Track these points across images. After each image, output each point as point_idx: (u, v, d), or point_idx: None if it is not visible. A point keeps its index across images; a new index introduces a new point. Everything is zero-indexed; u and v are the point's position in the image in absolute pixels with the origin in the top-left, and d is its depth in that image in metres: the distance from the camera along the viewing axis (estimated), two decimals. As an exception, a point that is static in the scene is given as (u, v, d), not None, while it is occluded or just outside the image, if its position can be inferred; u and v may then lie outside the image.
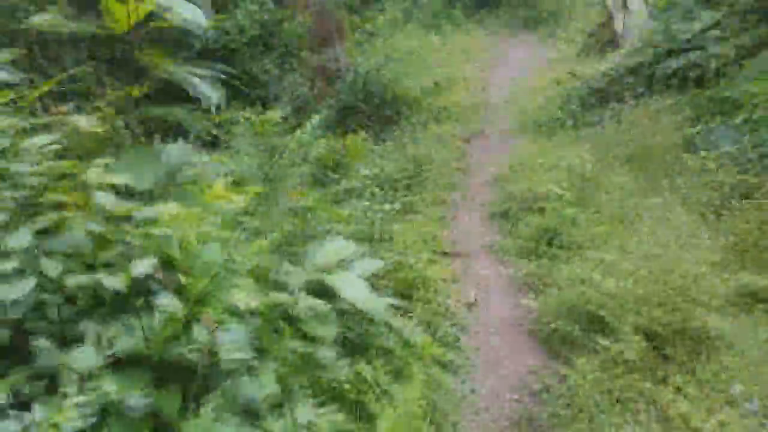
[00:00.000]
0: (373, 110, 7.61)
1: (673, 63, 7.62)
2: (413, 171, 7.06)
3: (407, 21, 20.21)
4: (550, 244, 5.42)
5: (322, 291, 2.90)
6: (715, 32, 7.65)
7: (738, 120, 6.22)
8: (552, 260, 5.14)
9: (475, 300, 5.05)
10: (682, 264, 3.69)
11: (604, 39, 15.25)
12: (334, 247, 3.27)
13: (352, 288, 2.92)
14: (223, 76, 3.53)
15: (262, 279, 2.76)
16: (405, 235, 5.60)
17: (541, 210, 5.86)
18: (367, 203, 5.74)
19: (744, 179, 5.29)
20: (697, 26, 7.90)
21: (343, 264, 3.16)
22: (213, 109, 3.33)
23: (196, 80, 3.20)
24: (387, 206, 6.08)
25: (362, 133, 7.36)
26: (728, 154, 5.78)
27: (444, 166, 7.53)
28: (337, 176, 6.31)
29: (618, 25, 12.44)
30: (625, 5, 13.90)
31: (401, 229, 5.69)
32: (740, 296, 3.78)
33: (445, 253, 5.83)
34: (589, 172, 6.15)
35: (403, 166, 7.00)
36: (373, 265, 3.44)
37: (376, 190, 6.30)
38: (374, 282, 4.41)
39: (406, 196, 6.62)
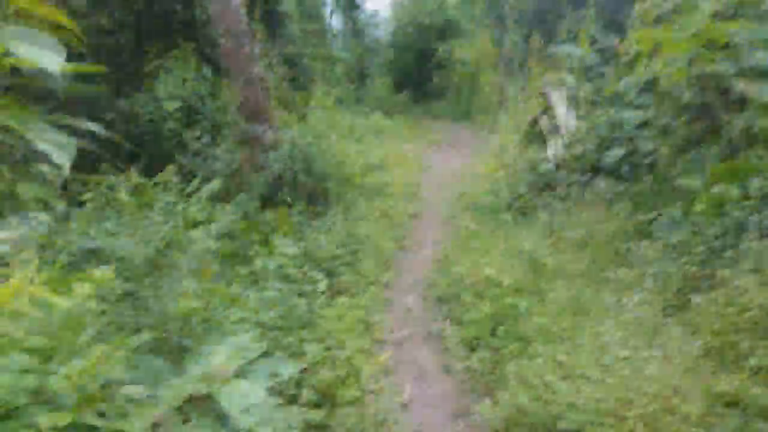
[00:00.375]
0: (308, 184, 7.01)
1: (619, 152, 7.52)
2: (347, 249, 6.40)
3: (355, 102, 20.46)
4: (494, 333, 4.80)
5: (206, 409, 2.11)
6: (656, 124, 7.70)
7: (680, 211, 6.04)
8: (498, 352, 4.50)
9: (410, 400, 4.29)
10: (655, 369, 3.12)
11: (545, 129, 15.75)
12: (232, 347, 2.49)
13: (247, 403, 2.13)
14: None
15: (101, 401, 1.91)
16: (334, 321, 4.85)
17: (486, 295, 5.28)
18: (290, 285, 4.99)
19: (696, 270, 4.95)
20: (638, 118, 7.96)
21: (243, 369, 2.39)
22: (61, 171, 2.56)
23: (48, 137, 2.49)
24: (314, 287, 5.34)
25: (296, 207, 6.70)
26: (679, 243, 5.49)
27: (381, 244, 6.93)
28: (252, 253, 5.53)
29: (559, 115, 12.73)
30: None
31: (330, 314, 4.94)
32: (719, 406, 3.21)
33: (378, 341, 5.09)
34: (537, 256, 5.69)
35: (336, 242, 6.33)
36: (285, 368, 2.67)
37: (304, 269, 5.56)
38: (287, 387, 3.61)
39: (337, 275, 5.92)
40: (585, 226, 6.19)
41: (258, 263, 5.31)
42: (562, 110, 13.28)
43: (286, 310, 4.45)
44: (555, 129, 12.99)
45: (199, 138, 7.23)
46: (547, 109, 15.07)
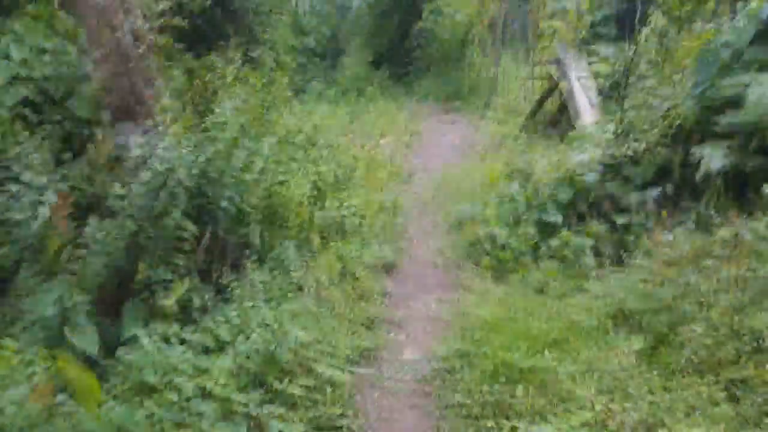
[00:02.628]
0: (206, 237, 4.10)
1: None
2: (270, 368, 3.49)
3: (327, 83, 17.22)
4: None
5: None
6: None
7: None
8: None
9: None
10: None
11: (553, 113, 12.70)
12: None
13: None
14: None
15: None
16: None
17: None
18: None
19: None
20: None
21: None
22: None
23: None
24: None
25: (177, 287, 3.74)
26: None
27: (338, 339, 4.02)
28: None
29: (579, 98, 9.76)
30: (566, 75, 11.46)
31: None
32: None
33: None
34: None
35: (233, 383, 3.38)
36: None
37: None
38: None
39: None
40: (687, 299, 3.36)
41: None
42: (588, 86, 10.37)
43: None
44: (576, 113, 10.08)
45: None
46: (555, 87, 12.11)
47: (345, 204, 6.28)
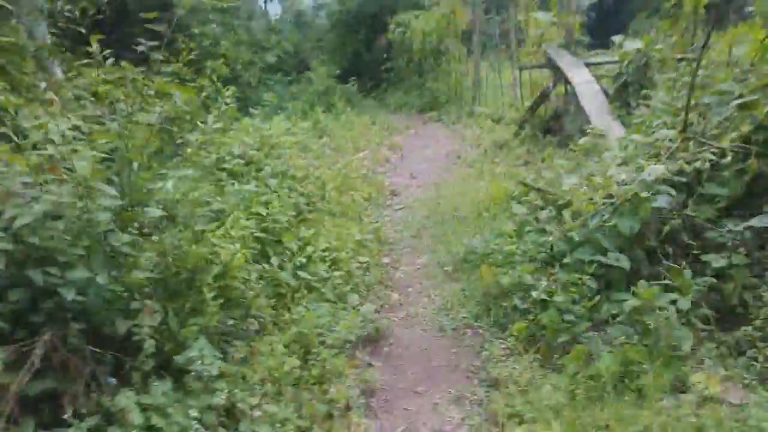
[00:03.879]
0: (68, 336, 2.28)
1: None
2: None
3: (291, 98, 15.51)
4: None
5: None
6: None
7: None
8: None
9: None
10: None
11: (543, 119, 11.22)
12: None
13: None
14: None
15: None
16: None
17: None
18: None
19: None
20: None
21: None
22: None
23: None
24: None
25: None
26: None
27: None
28: None
29: (587, 103, 8.24)
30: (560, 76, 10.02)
31: None
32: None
33: None
34: None
35: None
36: None
37: None
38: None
39: None
40: None
41: None
42: (594, 90, 8.87)
43: None
44: (584, 119, 8.61)
45: None
46: (549, 92, 10.66)
47: (309, 247, 4.51)
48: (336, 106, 14.04)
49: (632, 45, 8.48)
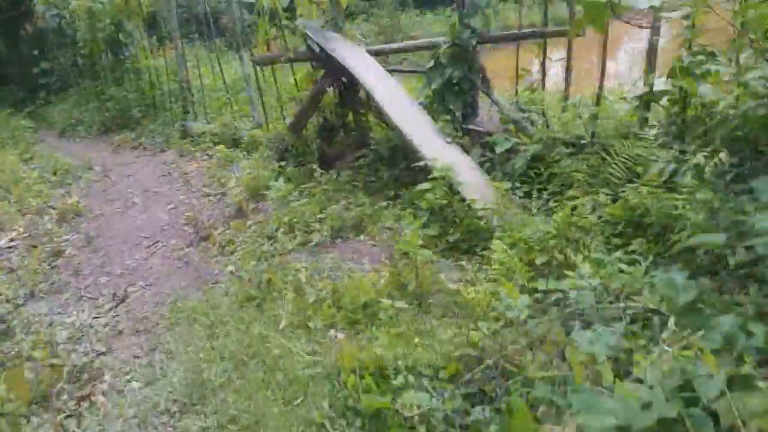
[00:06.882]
0: None
1: None
2: None
3: None
4: None
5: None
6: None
7: None
8: None
9: None
10: None
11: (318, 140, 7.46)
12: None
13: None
14: None
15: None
16: None
17: None
18: None
19: None
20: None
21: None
22: None
23: None
24: None
25: None
26: None
27: None
28: None
29: (392, 110, 4.92)
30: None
31: None
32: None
33: None
34: None
35: None
36: None
37: None
38: None
39: None
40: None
41: None
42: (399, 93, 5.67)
43: None
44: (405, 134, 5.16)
45: None
46: (321, 96, 7.08)
47: None
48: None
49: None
